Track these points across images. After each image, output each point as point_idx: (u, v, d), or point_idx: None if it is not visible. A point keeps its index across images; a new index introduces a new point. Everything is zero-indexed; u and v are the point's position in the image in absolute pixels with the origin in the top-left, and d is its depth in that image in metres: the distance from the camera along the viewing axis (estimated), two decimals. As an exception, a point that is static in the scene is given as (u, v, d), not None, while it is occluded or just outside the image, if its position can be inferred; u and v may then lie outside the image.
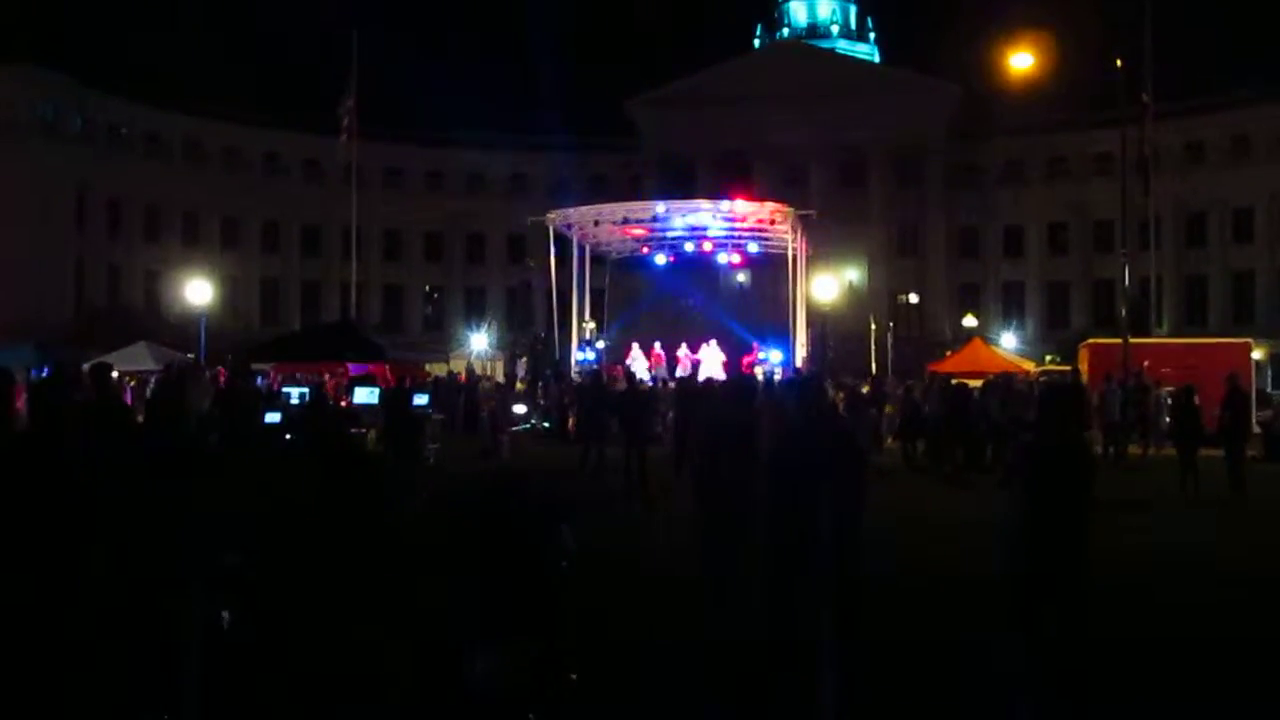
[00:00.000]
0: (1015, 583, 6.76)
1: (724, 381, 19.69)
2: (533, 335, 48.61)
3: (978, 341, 47.92)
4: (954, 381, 26.16)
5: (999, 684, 6.99)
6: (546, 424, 32.41)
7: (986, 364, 36.62)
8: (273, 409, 18.65)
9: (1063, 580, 6.60)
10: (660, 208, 39.90)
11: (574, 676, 7.04)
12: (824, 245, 49.28)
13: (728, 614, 8.24)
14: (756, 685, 7.21)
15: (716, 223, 40.21)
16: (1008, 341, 62.58)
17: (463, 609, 6.54)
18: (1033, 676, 6.68)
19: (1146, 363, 29.08)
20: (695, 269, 45.19)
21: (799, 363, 36.30)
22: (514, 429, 29.15)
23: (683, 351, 38.02)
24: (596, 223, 40.12)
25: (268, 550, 6.63)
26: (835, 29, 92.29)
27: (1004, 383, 25.93)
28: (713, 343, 38.04)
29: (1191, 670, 8.37)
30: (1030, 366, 42.92)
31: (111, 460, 6.48)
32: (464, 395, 34.62)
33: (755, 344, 38.13)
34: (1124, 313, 31.77)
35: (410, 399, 22.06)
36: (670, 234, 41.22)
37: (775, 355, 37.26)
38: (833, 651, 6.84)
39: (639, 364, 36.45)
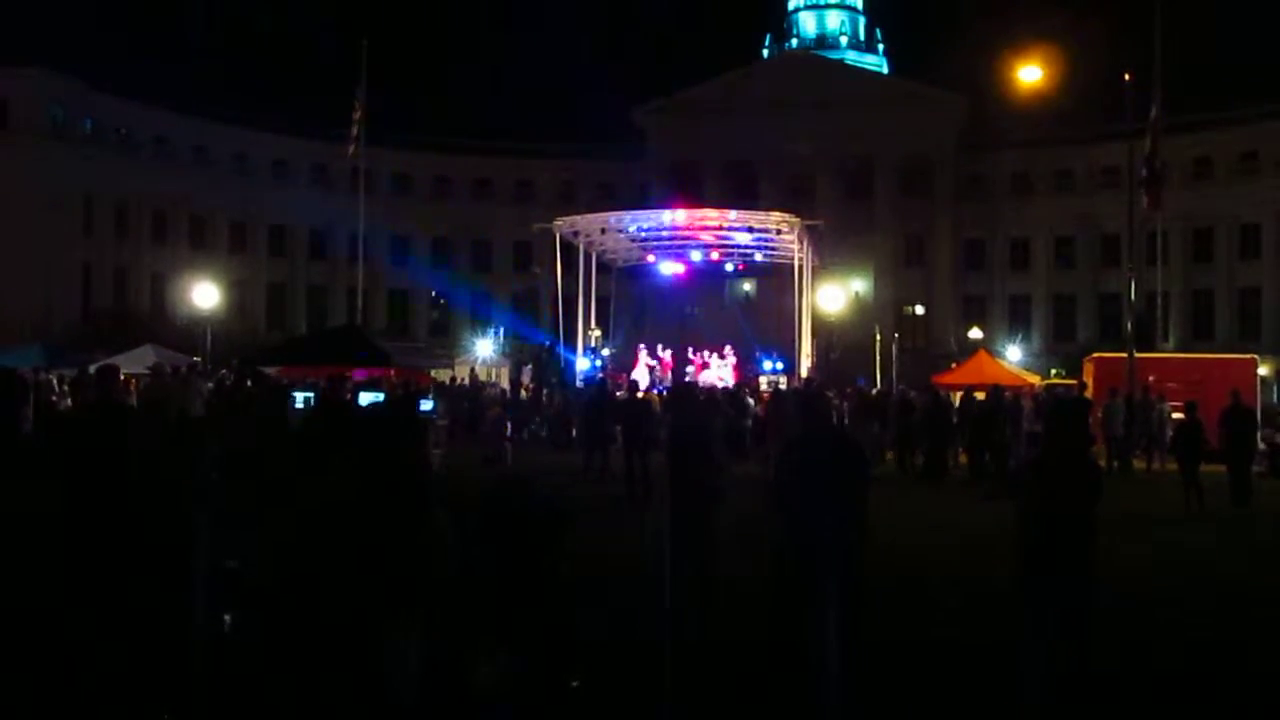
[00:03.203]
0: (1021, 591, 6.77)
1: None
2: (538, 342, 48.64)
3: (983, 354, 47.83)
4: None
5: (1003, 688, 7.00)
6: (550, 430, 32.43)
7: (991, 376, 36.52)
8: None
9: (1068, 589, 6.60)
10: (667, 216, 39.93)
11: (576, 684, 7.04)
12: (830, 256, 49.34)
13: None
14: (758, 686, 7.22)
15: (723, 232, 40.26)
16: (1013, 354, 62.44)
17: (466, 615, 6.54)
18: (1038, 680, 6.68)
19: (1152, 377, 29.02)
20: (701, 278, 45.26)
21: (804, 372, 36.33)
22: (517, 435, 29.15)
23: (696, 359, 38.08)
24: (603, 230, 40.20)
25: (269, 551, 6.64)
26: (844, 40, 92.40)
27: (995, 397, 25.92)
28: (727, 352, 38.07)
29: (1190, 676, 8.39)
30: (1035, 379, 42.85)
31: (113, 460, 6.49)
32: (468, 401, 34.64)
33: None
34: (1130, 327, 31.73)
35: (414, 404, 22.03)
36: (676, 243, 41.28)
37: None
38: (835, 653, 6.85)
39: (642, 372, 36.48)
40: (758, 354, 41.03)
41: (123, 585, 5.91)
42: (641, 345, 39.91)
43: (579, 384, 34.93)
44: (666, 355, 38.84)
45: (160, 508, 6.41)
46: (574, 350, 39.97)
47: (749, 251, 41.99)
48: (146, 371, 26.77)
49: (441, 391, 33.21)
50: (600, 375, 33.48)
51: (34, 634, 5.57)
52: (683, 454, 9.46)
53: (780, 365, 39.15)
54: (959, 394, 30.44)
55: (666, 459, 9.72)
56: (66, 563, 5.66)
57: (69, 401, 21.38)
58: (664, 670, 7.06)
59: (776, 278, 43.76)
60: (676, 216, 39.42)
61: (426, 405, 23.35)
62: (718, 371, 36.73)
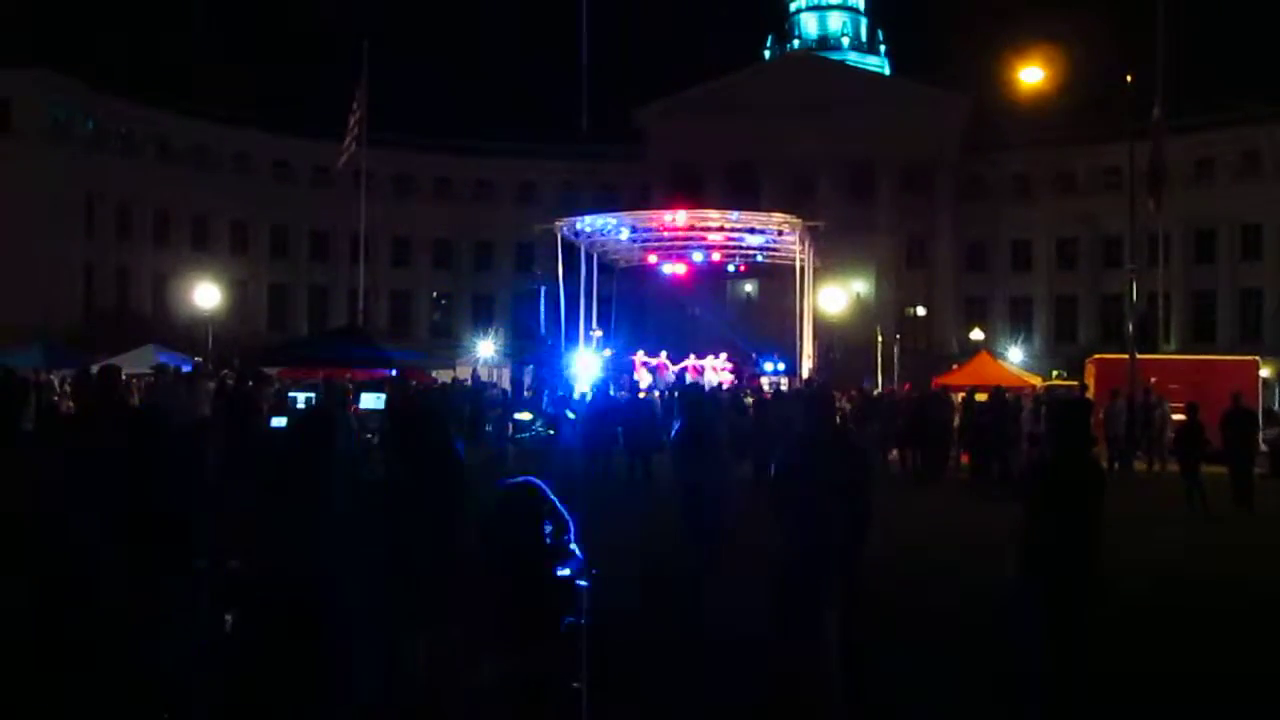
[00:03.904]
0: (1026, 593, 6.77)
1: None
2: (540, 343, 48.62)
3: (985, 355, 47.84)
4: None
5: (1002, 688, 7.00)
6: (551, 431, 32.40)
7: (993, 378, 36.51)
8: (279, 414, 18.66)
9: (1071, 592, 6.59)
10: (668, 217, 39.92)
11: (576, 685, 7.03)
12: (832, 257, 49.31)
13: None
14: (761, 685, 7.23)
15: (725, 233, 40.24)
16: (1015, 355, 62.44)
17: (466, 615, 6.54)
18: (1038, 681, 6.68)
19: (1154, 379, 29.00)
20: (703, 279, 45.24)
21: (805, 374, 36.31)
22: (519, 436, 29.16)
23: (690, 361, 38.07)
24: (605, 231, 40.17)
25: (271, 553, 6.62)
26: (846, 41, 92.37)
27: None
28: (722, 354, 38.07)
29: (1191, 676, 8.39)
30: (1037, 381, 42.85)
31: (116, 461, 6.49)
32: (470, 403, 34.60)
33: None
34: (1131, 328, 31.71)
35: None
36: (678, 244, 41.25)
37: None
38: (835, 652, 6.86)
39: (643, 374, 36.48)
40: (755, 356, 40.96)
41: (122, 585, 5.90)
42: (640, 348, 39.89)
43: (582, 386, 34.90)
44: (663, 357, 38.84)
45: (162, 507, 6.41)
46: (576, 351, 39.85)
47: (750, 253, 41.96)
48: (149, 372, 26.80)
49: (443, 392, 33.23)
50: (601, 376, 33.47)
51: (33, 633, 5.56)
52: (692, 456, 9.47)
53: (782, 367, 39.10)
54: (959, 395, 30.44)
55: (675, 460, 9.73)
56: (67, 561, 5.65)
57: (70, 402, 21.39)
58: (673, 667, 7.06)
59: (778, 279, 43.75)
60: (678, 217, 39.39)
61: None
62: (714, 375, 36.72)
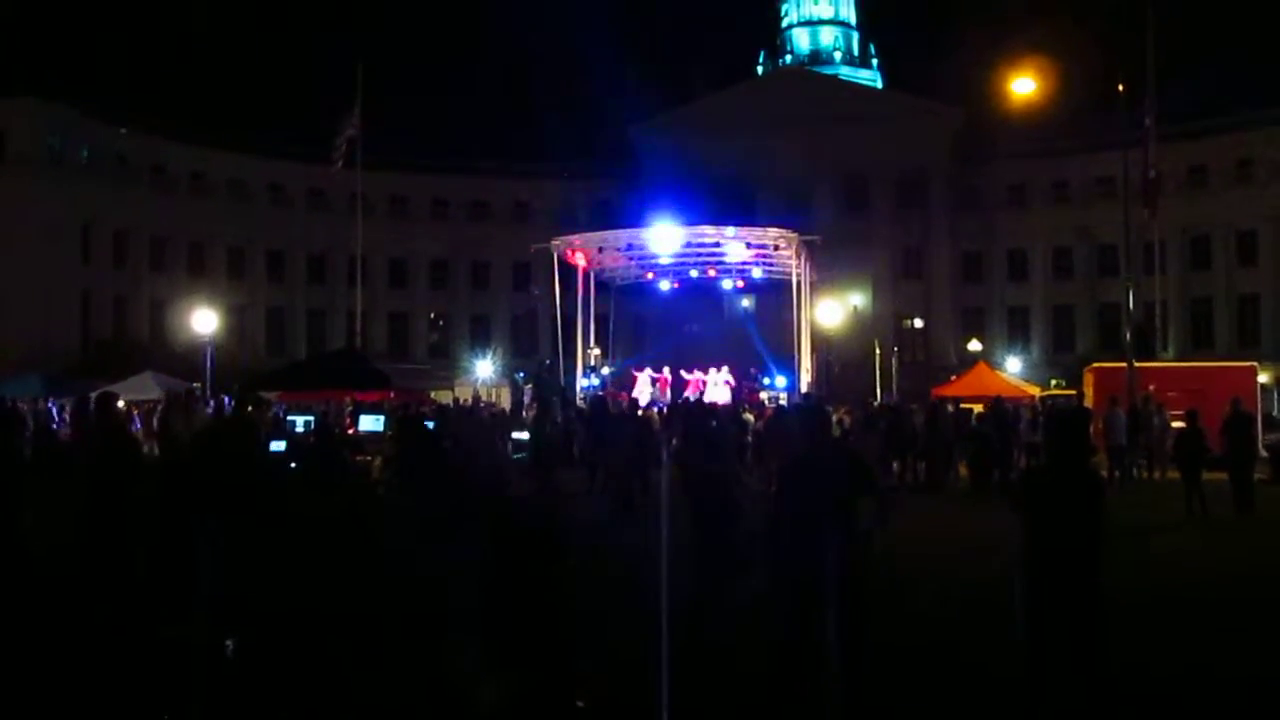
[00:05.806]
0: (1026, 604, 6.77)
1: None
2: (538, 362, 48.65)
3: (982, 365, 47.88)
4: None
5: (1003, 694, 6.99)
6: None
7: (991, 388, 36.54)
8: (278, 437, 18.68)
9: (1074, 603, 6.59)
10: (664, 234, 39.95)
11: (580, 704, 7.03)
12: (828, 270, 49.39)
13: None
14: (763, 692, 7.23)
15: (721, 249, 40.27)
16: (1012, 365, 62.49)
17: (469, 634, 6.54)
18: (1044, 689, 6.67)
19: (1152, 387, 29.01)
20: (699, 295, 45.21)
21: (804, 387, 36.30)
22: (517, 456, 29.09)
23: (692, 376, 38.10)
24: (601, 249, 40.19)
25: (273, 573, 6.63)
26: (838, 55, 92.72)
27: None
28: (723, 369, 38.09)
29: (1191, 680, 8.38)
30: (1035, 390, 42.88)
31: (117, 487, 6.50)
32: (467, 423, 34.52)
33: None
34: (1129, 336, 31.74)
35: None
36: (674, 260, 41.26)
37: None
38: (838, 664, 6.85)
39: (643, 390, 36.47)
40: (754, 371, 40.91)
41: (127, 610, 5.91)
42: (644, 364, 39.92)
43: (579, 404, 34.88)
44: (664, 373, 38.88)
45: (165, 533, 6.41)
46: (574, 370, 39.92)
47: (747, 268, 42.00)
48: (148, 400, 26.81)
49: (442, 413, 33.14)
50: (600, 393, 33.44)
51: (43, 654, 5.56)
52: (700, 470, 9.46)
53: (782, 382, 39.04)
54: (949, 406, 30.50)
55: (683, 474, 9.71)
56: (69, 587, 5.66)
57: (69, 430, 21.40)
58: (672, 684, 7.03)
59: (775, 294, 43.75)
60: (674, 234, 39.44)
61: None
62: (714, 389, 36.73)
